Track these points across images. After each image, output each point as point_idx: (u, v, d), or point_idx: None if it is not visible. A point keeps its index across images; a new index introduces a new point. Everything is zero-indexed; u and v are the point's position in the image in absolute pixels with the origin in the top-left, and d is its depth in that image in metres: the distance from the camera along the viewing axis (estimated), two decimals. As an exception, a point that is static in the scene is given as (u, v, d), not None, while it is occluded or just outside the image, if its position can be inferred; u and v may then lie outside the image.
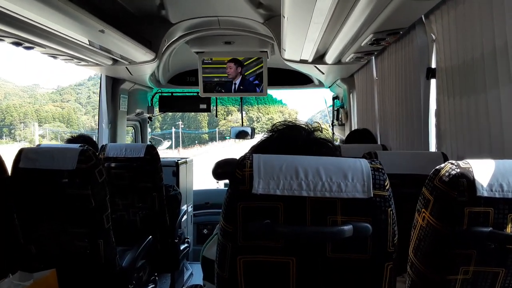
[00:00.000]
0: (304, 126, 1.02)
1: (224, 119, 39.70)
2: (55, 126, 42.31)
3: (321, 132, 1.02)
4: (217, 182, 5.55)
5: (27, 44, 2.13)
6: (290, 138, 0.99)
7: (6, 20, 1.75)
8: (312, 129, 1.01)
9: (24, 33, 1.94)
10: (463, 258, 0.85)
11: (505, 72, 1.28)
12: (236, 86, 3.99)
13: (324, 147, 0.98)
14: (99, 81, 3.51)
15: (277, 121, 1.09)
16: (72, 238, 1.85)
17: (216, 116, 5.68)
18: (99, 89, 3.55)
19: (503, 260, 0.84)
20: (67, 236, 1.85)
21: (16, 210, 1.86)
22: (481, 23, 1.41)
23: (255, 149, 1.00)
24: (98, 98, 3.53)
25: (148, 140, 4.57)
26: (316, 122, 1.04)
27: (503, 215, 0.82)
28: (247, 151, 0.97)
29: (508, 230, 0.82)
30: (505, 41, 1.27)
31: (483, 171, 0.83)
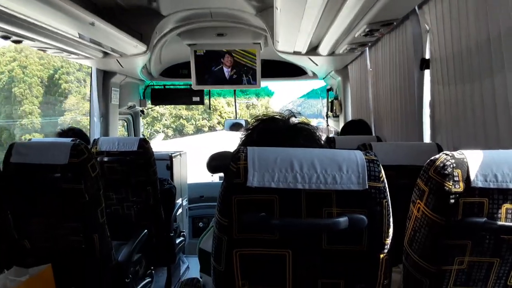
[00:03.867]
0: (278, 116, 1.03)
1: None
2: None
3: (295, 117, 1.02)
4: (212, 175, 5.55)
5: (15, 38, 2.09)
6: (270, 131, 0.99)
7: (-6, 13, 1.72)
8: (287, 117, 1.02)
9: (13, 27, 1.91)
10: (458, 249, 0.85)
11: (499, 61, 1.28)
12: (229, 78, 3.97)
13: (305, 130, 0.99)
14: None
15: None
16: (66, 233, 1.84)
17: (210, 109, 5.66)
18: (90, 83, 3.50)
19: (497, 250, 0.85)
20: (61, 231, 1.84)
21: (9, 205, 1.84)
22: (474, 12, 1.41)
23: None
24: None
25: (141, 133, 4.53)
26: (288, 110, 1.04)
27: (498, 205, 0.83)
28: None
29: (503, 220, 0.82)
30: (498, 30, 1.27)
31: (478, 161, 0.83)
